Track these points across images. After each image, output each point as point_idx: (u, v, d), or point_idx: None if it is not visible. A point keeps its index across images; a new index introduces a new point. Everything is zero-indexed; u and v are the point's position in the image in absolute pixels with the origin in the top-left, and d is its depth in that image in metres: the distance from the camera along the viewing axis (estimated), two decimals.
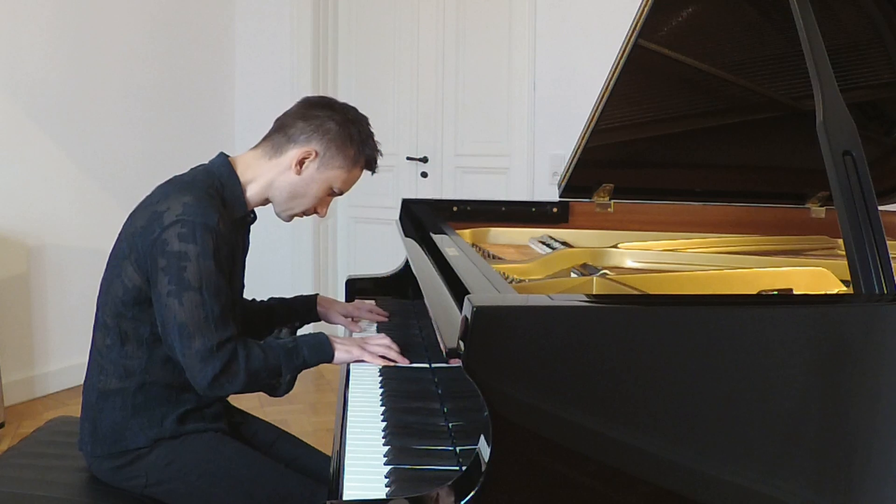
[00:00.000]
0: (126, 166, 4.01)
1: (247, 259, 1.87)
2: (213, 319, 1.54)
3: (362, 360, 1.70)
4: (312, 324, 2.14)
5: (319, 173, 1.71)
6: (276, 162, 1.71)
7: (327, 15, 4.62)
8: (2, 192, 3.51)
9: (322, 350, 1.67)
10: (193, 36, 4.44)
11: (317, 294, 2.11)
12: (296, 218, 1.80)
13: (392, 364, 1.72)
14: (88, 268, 3.60)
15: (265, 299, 2.05)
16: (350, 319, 2.08)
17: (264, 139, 1.74)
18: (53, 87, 3.69)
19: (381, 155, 1.78)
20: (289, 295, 2.11)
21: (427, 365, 1.76)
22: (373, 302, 2.17)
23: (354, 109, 1.75)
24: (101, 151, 3.94)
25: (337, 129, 1.69)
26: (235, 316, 1.68)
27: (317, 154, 1.69)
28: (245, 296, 1.93)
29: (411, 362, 1.73)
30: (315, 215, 1.80)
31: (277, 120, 1.74)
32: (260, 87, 4.59)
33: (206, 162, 1.74)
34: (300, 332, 1.93)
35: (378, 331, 2.02)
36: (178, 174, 1.71)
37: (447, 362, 1.15)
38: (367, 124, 1.76)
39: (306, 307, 2.07)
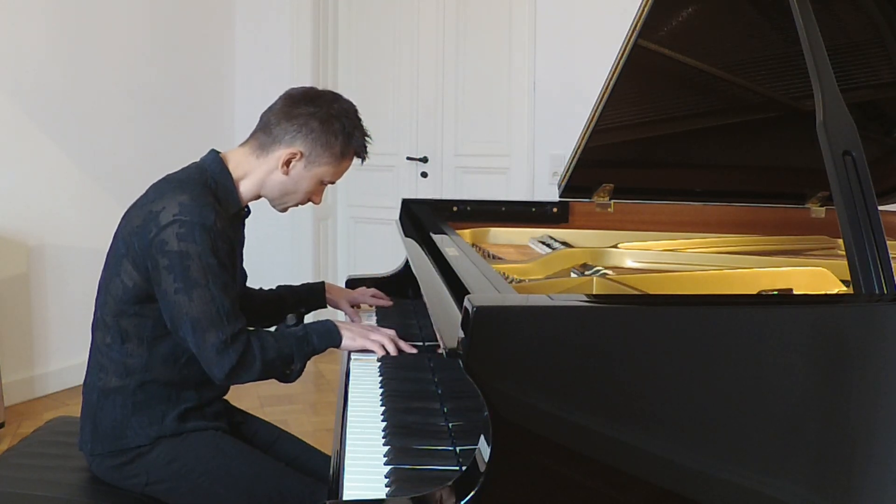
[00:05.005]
0: (126, 166, 4.01)
1: (245, 259, 1.90)
2: (225, 313, 1.55)
3: (365, 349, 1.73)
4: (318, 310, 2.18)
5: (307, 171, 1.71)
6: (263, 160, 1.71)
7: (327, 15, 4.62)
8: (2, 192, 3.51)
9: (330, 336, 1.70)
10: (193, 36, 4.44)
11: (323, 281, 2.14)
12: (291, 209, 1.82)
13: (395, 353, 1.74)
14: (88, 268, 3.58)
15: (273, 287, 2.08)
16: (354, 307, 2.13)
17: (252, 136, 1.74)
18: (53, 87, 3.69)
19: (371, 142, 1.77)
20: None
21: (421, 343, 1.79)
22: (374, 289, 2.19)
23: (339, 100, 1.73)
24: (101, 151, 3.94)
25: (320, 127, 1.68)
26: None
27: (302, 154, 1.69)
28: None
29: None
30: (311, 203, 1.81)
31: (263, 116, 1.74)
32: (260, 87, 4.58)
33: (198, 159, 1.74)
34: (308, 318, 1.98)
35: (378, 319, 2.07)
36: (170, 172, 1.71)
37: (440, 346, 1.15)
38: (354, 114, 1.73)
39: (314, 294, 2.10)
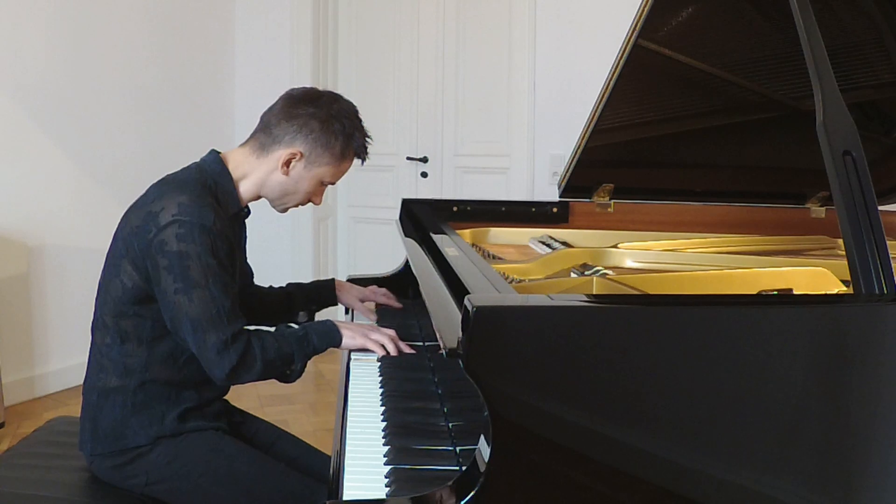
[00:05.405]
0: (126, 166, 4.02)
1: (247, 259, 1.89)
2: (225, 313, 1.55)
3: (365, 349, 1.74)
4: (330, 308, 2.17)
5: (307, 171, 1.71)
6: (263, 160, 1.71)
7: (327, 15, 4.62)
8: (2, 192, 3.50)
9: (331, 336, 1.71)
10: (193, 36, 4.44)
11: (333, 279, 2.14)
12: (291, 209, 1.81)
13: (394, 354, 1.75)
14: (88, 268, 3.58)
15: (283, 285, 2.07)
16: (365, 305, 2.12)
17: (252, 136, 1.74)
18: (53, 87, 3.69)
19: (371, 142, 1.76)
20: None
21: (421, 343, 1.80)
22: (385, 289, 2.18)
23: (339, 101, 1.73)
24: (100, 151, 3.94)
25: (320, 128, 1.68)
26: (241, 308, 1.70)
27: (302, 155, 1.69)
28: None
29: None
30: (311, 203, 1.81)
31: (263, 116, 1.74)
32: (260, 87, 4.58)
33: (198, 160, 1.74)
34: (319, 315, 1.98)
35: (378, 319, 2.07)
36: (170, 173, 1.71)
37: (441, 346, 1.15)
38: (354, 115, 1.73)
39: (324, 292, 2.10)
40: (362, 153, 1.75)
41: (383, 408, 1.52)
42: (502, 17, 4.16)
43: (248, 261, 1.93)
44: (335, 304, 2.11)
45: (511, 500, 1.06)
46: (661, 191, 2.43)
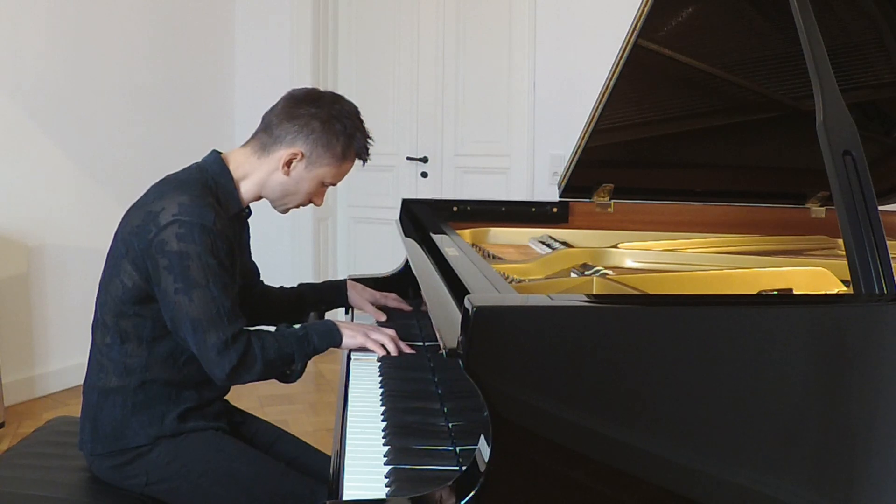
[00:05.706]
0: (126, 166, 4.01)
1: (252, 258, 1.90)
2: (225, 313, 1.55)
3: (365, 348, 1.74)
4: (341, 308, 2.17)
5: (308, 172, 1.71)
6: (265, 161, 1.71)
7: (327, 15, 4.62)
8: (2, 192, 3.50)
9: (331, 336, 1.71)
10: (193, 36, 4.44)
11: (346, 280, 2.13)
12: (292, 210, 1.81)
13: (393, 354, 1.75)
14: (88, 268, 3.59)
15: (294, 285, 2.07)
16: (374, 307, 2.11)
17: (253, 136, 1.74)
18: (53, 87, 3.69)
19: (373, 143, 1.77)
20: None
21: (421, 343, 1.80)
22: (395, 294, 2.17)
23: (340, 101, 1.73)
24: (101, 151, 3.94)
25: (321, 128, 1.68)
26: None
27: (303, 155, 1.69)
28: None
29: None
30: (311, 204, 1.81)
31: (264, 117, 1.74)
32: (260, 87, 4.58)
33: (199, 160, 1.74)
34: (329, 316, 1.98)
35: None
36: (171, 173, 1.71)
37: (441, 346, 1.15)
38: (355, 116, 1.73)
39: (335, 292, 2.09)
40: (363, 154, 1.75)
41: (383, 408, 1.52)
42: (502, 17, 4.16)
43: None
44: (346, 305, 2.11)
45: (511, 500, 1.06)
46: (661, 191, 2.43)
